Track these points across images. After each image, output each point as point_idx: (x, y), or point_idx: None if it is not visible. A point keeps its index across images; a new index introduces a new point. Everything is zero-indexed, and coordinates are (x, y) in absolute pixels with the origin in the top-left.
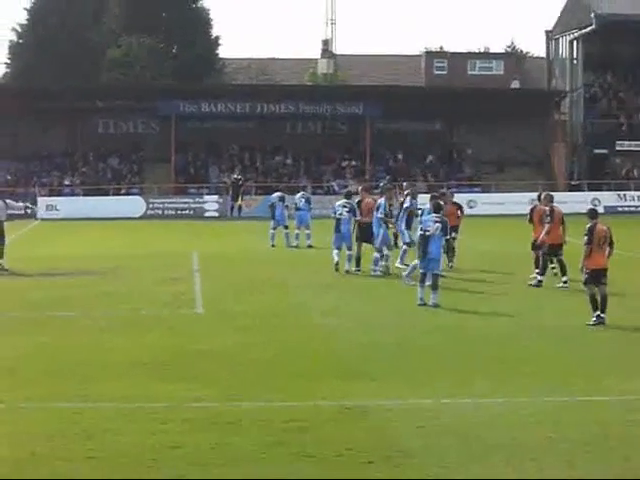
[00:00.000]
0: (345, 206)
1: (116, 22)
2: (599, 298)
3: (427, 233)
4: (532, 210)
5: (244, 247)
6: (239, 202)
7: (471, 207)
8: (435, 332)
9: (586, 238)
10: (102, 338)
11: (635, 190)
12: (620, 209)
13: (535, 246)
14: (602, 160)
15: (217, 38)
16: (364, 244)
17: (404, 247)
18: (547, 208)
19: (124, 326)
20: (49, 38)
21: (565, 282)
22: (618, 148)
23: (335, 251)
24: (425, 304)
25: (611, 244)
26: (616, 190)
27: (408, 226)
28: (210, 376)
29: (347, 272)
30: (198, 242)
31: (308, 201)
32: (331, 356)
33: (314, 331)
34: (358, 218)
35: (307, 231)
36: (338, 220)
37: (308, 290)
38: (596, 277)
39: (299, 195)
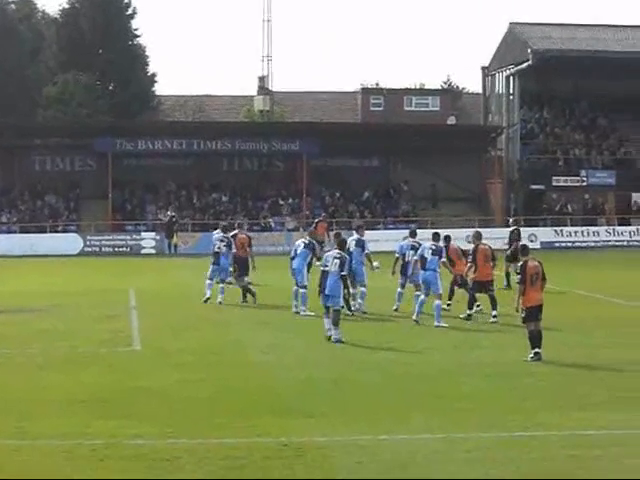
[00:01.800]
0: (222, 240)
1: (53, 59)
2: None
3: (325, 269)
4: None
5: (181, 284)
6: (174, 240)
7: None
8: (371, 368)
9: (519, 277)
10: (39, 375)
11: (571, 226)
12: (557, 244)
13: (459, 283)
14: (539, 196)
15: (153, 75)
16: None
17: (302, 290)
18: (473, 246)
19: (61, 363)
20: None
21: (495, 317)
22: (555, 184)
23: (208, 282)
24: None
25: (544, 279)
26: (552, 226)
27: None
28: (148, 413)
29: (220, 303)
30: (135, 279)
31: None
32: (269, 393)
33: (251, 368)
34: (234, 250)
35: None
36: (217, 253)
37: (245, 327)
38: (534, 314)
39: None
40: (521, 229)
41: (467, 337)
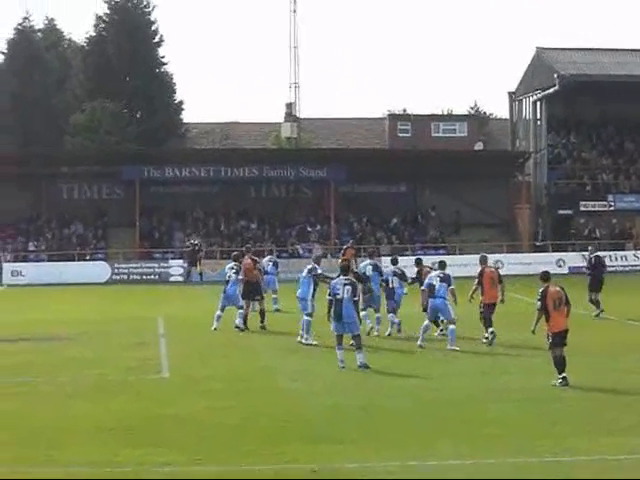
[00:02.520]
0: (232, 268)
1: (80, 87)
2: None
3: (337, 297)
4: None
5: (209, 311)
6: (198, 268)
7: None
8: (399, 394)
9: (539, 303)
10: (68, 404)
11: (599, 250)
12: (585, 269)
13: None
14: (566, 221)
15: (181, 103)
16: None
17: (307, 318)
18: (479, 269)
19: (90, 391)
20: (12, 104)
21: (487, 338)
22: (582, 209)
23: (217, 312)
24: (345, 367)
25: (567, 303)
26: (580, 251)
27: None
28: (177, 441)
29: (237, 327)
30: (163, 307)
31: (276, 265)
32: (297, 420)
33: (280, 395)
34: (241, 277)
35: (274, 295)
36: (227, 282)
37: (272, 354)
38: (560, 339)
39: (267, 259)
40: (550, 254)
41: (495, 362)
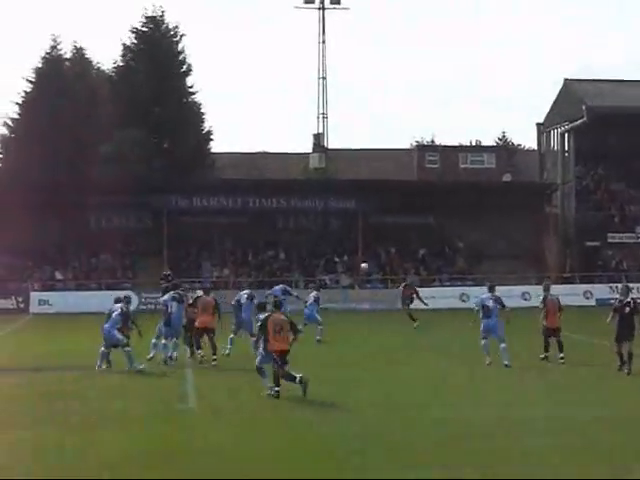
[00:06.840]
0: (245, 293)
1: (108, 117)
2: None
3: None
4: (544, 299)
5: (237, 341)
6: None
7: (464, 301)
8: (419, 425)
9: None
10: (95, 433)
11: (627, 282)
12: (612, 301)
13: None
14: (594, 252)
15: (209, 133)
16: None
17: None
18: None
19: (116, 421)
20: (41, 132)
21: (562, 358)
22: (610, 240)
23: (232, 336)
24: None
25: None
26: (608, 282)
27: None
28: (203, 471)
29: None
30: None
31: (317, 300)
32: (324, 454)
33: (308, 426)
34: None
35: (319, 327)
36: (239, 306)
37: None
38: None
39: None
40: (577, 286)
41: (520, 391)
